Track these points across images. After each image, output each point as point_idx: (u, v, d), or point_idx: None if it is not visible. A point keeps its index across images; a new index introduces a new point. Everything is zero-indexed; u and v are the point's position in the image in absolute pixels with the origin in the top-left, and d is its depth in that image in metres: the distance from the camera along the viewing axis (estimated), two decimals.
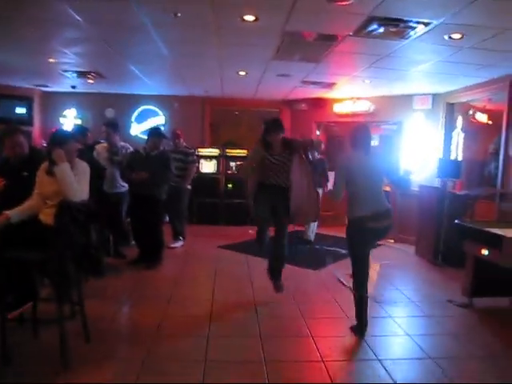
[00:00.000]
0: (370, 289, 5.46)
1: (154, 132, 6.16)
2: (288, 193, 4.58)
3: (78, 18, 4.34)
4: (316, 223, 7.55)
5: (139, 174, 5.72)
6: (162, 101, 9.76)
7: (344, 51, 5.37)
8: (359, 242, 3.98)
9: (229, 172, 9.71)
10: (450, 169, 6.87)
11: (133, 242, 6.33)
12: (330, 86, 7.73)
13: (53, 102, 9.50)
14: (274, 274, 4.89)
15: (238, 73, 6.96)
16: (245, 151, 9.70)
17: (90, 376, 3.12)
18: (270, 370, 3.32)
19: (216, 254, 6.97)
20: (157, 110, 9.84)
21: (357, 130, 4.19)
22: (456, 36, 4.48)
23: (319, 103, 9.26)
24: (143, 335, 3.85)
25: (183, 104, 9.74)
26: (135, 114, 9.80)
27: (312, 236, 7.72)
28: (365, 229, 3.89)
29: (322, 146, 4.71)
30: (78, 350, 3.45)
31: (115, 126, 6.39)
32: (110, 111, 9.57)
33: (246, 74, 7.00)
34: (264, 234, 4.86)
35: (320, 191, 7.32)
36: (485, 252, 4.54)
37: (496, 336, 4.19)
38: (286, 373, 3.32)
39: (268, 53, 5.60)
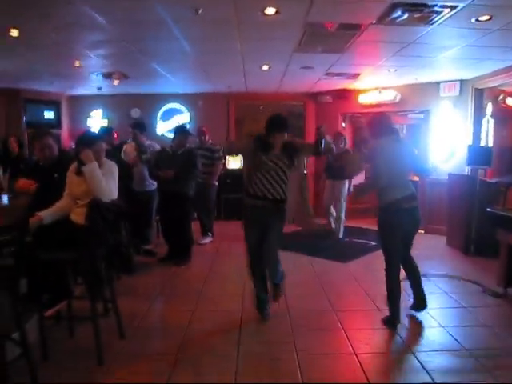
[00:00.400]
0: (401, 280, 5.42)
1: (180, 130, 6.22)
2: (284, 206, 4.07)
3: (101, 19, 4.39)
4: (343, 218, 7.51)
5: (166, 172, 5.78)
6: (186, 99, 9.81)
7: (367, 40, 5.28)
8: (396, 225, 3.95)
9: None
10: (480, 156, 6.71)
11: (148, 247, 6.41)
12: (355, 76, 7.63)
13: (80, 105, 9.68)
14: (260, 304, 4.25)
15: (261, 67, 6.93)
16: None
17: (124, 371, 3.18)
18: (302, 363, 3.31)
19: (245, 249, 6.95)
20: (181, 107, 9.90)
21: (381, 119, 4.24)
22: (484, 18, 4.34)
23: (344, 95, 9.16)
24: (176, 331, 3.89)
25: (207, 101, 9.77)
26: (160, 112, 9.88)
27: (340, 233, 7.61)
28: (401, 209, 3.92)
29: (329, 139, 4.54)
30: (113, 346, 3.52)
31: (142, 126, 6.44)
32: (135, 111, 9.69)
33: (269, 68, 6.96)
34: (257, 267, 4.19)
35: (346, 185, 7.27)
36: None
37: None
38: (319, 366, 3.31)
39: (290, 45, 5.55)
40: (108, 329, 3.64)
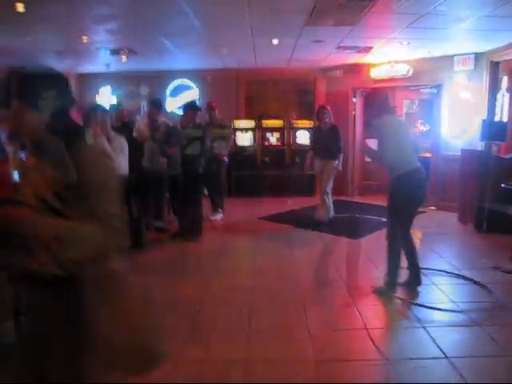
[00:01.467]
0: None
1: (189, 105, 6.16)
2: None
3: None
4: (330, 200, 7.10)
5: (173, 149, 5.77)
6: (195, 75, 9.72)
7: (380, 12, 5.14)
8: (410, 194, 4.05)
9: (265, 144, 9.64)
10: (494, 131, 6.58)
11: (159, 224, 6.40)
12: (367, 50, 7.48)
13: (88, 82, 9.63)
14: None
15: (270, 41, 6.81)
16: (281, 122, 9.62)
17: None
18: (313, 338, 3.32)
19: (256, 225, 6.98)
20: (191, 84, 9.81)
21: (381, 97, 4.40)
22: None
23: (355, 69, 9.00)
24: (187, 306, 3.92)
25: (217, 77, 9.66)
26: (169, 89, 9.81)
27: (330, 214, 7.18)
28: (414, 179, 4.06)
29: None
30: None
31: (158, 104, 6.38)
32: (144, 88, 9.63)
33: (279, 42, 6.84)
34: None
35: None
36: None
37: None
38: (331, 341, 3.33)
39: (301, 19, 5.43)
40: None
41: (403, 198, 4.06)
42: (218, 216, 7.36)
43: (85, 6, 4.86)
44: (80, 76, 9.55)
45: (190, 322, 3.60)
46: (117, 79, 9.62)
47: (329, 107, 7.17)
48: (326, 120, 7.01)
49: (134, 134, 5.98)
